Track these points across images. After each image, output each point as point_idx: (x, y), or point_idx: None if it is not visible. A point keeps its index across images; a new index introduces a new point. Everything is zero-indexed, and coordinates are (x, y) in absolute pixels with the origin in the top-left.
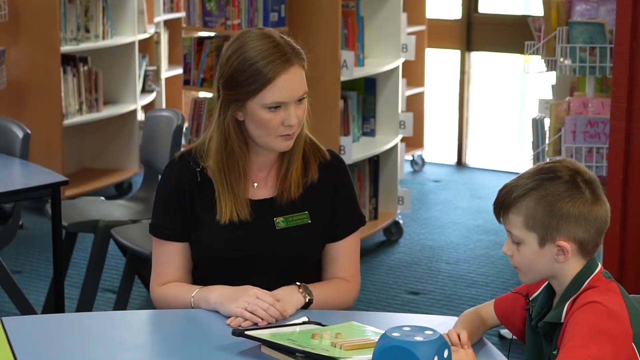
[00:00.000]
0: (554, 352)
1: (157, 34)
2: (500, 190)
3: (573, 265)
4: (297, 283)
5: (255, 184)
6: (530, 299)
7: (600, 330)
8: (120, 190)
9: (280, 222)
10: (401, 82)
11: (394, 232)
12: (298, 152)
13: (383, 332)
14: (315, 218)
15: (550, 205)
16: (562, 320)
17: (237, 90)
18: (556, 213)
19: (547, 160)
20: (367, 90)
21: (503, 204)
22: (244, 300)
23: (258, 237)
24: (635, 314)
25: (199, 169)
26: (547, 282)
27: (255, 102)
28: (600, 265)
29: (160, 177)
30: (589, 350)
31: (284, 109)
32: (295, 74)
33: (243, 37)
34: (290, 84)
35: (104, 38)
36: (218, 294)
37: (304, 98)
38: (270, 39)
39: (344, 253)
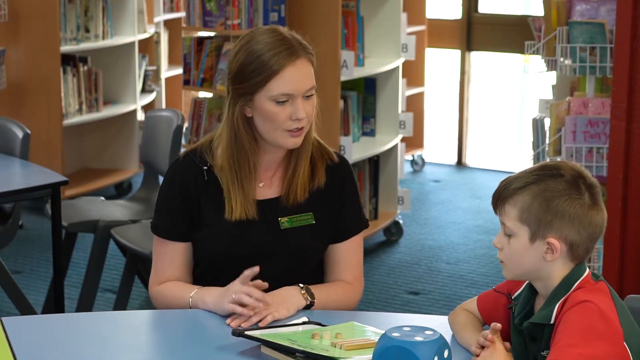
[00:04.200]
0: (543, 353)
1: (157, 34)
2: (501, 182)
3: (561, 268)
4: (300, 285)
5: (262, 184)
6: (513, 297)
7: (592, 329)
8: (120, 190)
9: (284, 222)
10: (401, 82)
11: (394, 232)
12: (306, 154)
13: (383, 332)
14: (319, 219)
15: (547, 201)
16: (552, 322)
17: (244, 84)
18: (552, 209)
19: (548, 160)
20: (367, 90)
21: (501, 195)
22: (231, 292)
23: (262, 236)
24: (623, 314)
25: (206, 168)
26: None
27: (262, 95)
28: (588, 270)
29: (163, 176)
30: (581, 349)
31: (291, 102)
32: (301, 66)
33: (251, 33)
34: (296, 76)
35: (104, 38)
36: (212, 295)
37: (312, 95)
38: (277, 33)
39: (346, 255)
